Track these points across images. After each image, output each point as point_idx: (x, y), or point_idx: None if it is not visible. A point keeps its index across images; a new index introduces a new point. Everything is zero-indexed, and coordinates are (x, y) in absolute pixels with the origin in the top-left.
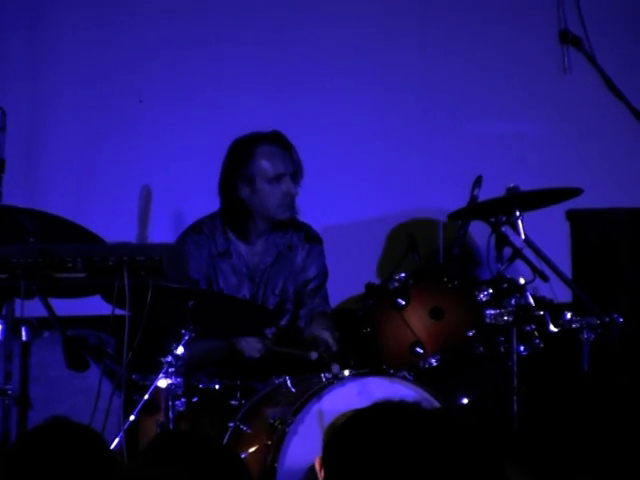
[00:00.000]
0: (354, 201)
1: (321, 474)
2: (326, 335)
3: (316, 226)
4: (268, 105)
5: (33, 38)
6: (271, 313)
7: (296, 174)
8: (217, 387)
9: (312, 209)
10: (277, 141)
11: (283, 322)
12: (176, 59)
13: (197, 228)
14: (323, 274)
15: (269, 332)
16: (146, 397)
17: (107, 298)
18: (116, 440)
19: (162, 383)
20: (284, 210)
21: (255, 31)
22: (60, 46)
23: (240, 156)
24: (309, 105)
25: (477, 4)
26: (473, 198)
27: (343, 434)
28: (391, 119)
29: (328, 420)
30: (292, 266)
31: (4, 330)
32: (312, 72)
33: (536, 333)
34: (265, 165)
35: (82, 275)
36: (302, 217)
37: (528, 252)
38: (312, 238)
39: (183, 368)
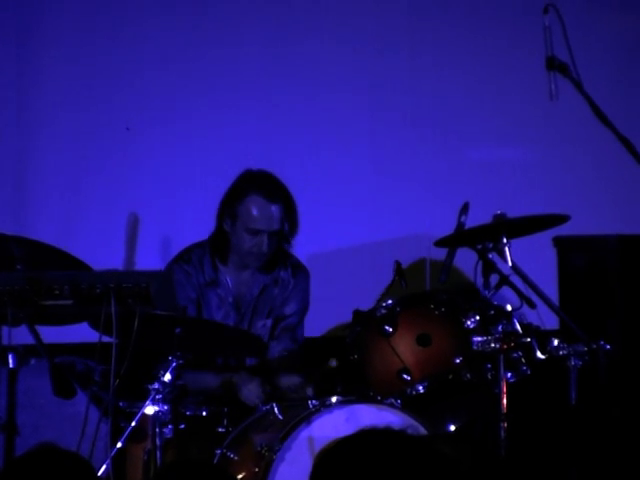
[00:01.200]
0: (342, 228)
1: None
2: (295, 380)
3: (304, 252)
4: (257, 132)
5: (20, 65)
6: (259, 341)
7: (277, 234)
8: (204, 414)
9: (300, 235)
10: (273, 198)
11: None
12: (164, 86)
13: (186, 256)
14: (302, 310)
15: (250, 362)
16: (133, 424)
17: (94, 325)
18: (103, 467)
19: (149, 410)
20: (251, 259)
21: (245, 57)
22: (47, 73)
23: (235, 191)
24: (298, 132)
25: (464, 32)
26: (460, 225)
27: (330, 461)
28: (379, 145)
29: (316, 447)
30: (274, 301)
31: None
32: (301, 99)
33: (523, 360)
34: (249, 214)
35: (69, 302)
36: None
37: (515, 279)
38: (300, 273)
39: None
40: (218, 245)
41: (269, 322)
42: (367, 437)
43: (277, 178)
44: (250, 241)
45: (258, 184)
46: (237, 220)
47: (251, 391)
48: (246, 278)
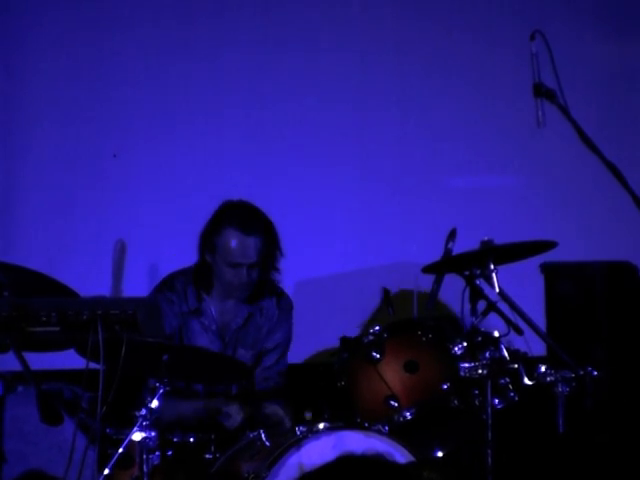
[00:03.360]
0: (329, 254)
1: None
2: (279, 412)
3: (291, 279)
4: (242, 159)
5: (4, 92)
6: (245, 367)
7: (258, 265)
8: (192, 440)
9: (288, 262)
10: (249, 230)
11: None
12: (151, 113)
13: (169, 284)
14: (286, 343)
15: (234, 388)
16: (120, 451)
17: (81, 352)
18: None
19: (136, 437)
20: (233, 291)
21: (230, 83)
22: (32, 100)
23: (213, 224)
24: (284, 159)
25: (451, 58)
26: (447, 251)
27: None
28: (366, 171)
29: (303, 473)
30: (259, 331)
31: None
32: (290, 127)
33: (511, 386)
34: (226, 248)
35: (56, 329)
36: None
37: (502, 305)
38: (284, 304)
39: (157, 423)
40: (202, 276)
41: (252, 352)
42: (345, 463)
43: (256, 208)
44: (230, 273)
45: (235, 217)
46: (216, 253)
47: (232, 412)
48: (230, 308)
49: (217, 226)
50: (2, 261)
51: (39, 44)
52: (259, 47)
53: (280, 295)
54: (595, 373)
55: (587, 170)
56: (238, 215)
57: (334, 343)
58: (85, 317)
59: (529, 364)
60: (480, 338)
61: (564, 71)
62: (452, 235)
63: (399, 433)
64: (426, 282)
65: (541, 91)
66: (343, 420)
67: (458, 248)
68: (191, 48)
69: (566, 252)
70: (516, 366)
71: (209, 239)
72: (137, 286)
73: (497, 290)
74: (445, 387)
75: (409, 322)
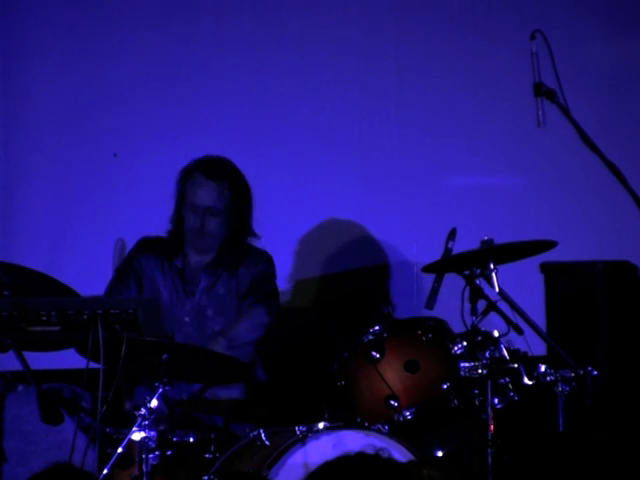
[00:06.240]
0: (329, 254)
1: None
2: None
3: (292, 279)
4: (243, 160)
5: (4, 92)
6: (246, 366)
7: (217, 212)
8: (191, 440)
9: (289, 262)
10: (212, 175)
11: None
12: (151, 114)
13: (146, 243)
14: (270, 275)
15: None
16: (120, 450)
17: (81, 352)
18: None
19: (136, 436)
20: (195, 239)
21: (230, 79)
22: (33, 100)
23: (183, 173)
24: (286, 160)
25: (451, 58)
26: (447, 251)
27: None
28: (367, 171)
29: (303, 474)
30: (231, 295)
31: None
32: (290, 128)
33: (510, 386)
34: (189, 191)
35: (57, 328)
36: (279, 269)
37: (502, 305)
38: (261, 256)
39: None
40: (175, 230)
41: (221, 319)
42: (347, 463)
43: (229, 161)
44: (192, 220)
45: (201, 163)
46: (184, 201)
47: None
48: (203, 266)
49: (185, 176)
50: (2, 261)
51: (39, 44)
52: (259, 49)
53: (255, 251)
54: (595, 373)
55: (587, 170)
56: (205, 162)
57: (334, 343)
58: (85, 317)
59: (529, 364)
60: (480, 338)
61: (564, 71)
62: (452, 235)
63: (399, 433)
64: (426, 282)
65: (541, 91)
66: (343, 420)
67: (458, 248)
68: (192, 49)
69: (566, 252)
70: (516, 366)
71: (179, 187)
72: None
73: (497, 290)
74: (445, 387)
75: (409, 322)
